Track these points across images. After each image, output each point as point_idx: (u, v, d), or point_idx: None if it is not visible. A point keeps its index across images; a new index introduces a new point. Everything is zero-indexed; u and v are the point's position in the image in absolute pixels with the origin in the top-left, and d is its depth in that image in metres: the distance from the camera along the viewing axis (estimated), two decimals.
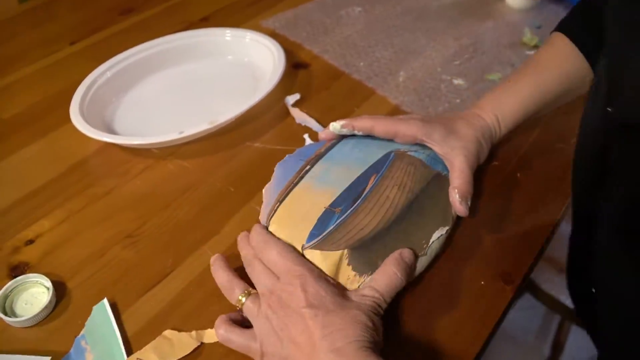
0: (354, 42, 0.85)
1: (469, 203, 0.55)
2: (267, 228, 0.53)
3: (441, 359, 0.47)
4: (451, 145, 0.57)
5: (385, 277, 0.47)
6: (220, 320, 0.48)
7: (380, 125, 0.58)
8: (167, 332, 0.49)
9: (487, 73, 0.78)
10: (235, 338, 0.47)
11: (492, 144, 0.60)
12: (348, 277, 0.48)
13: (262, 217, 0.55)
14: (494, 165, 0.64)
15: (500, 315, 0.50)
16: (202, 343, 0.48)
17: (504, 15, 0.91)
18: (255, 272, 0.50)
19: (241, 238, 0.53)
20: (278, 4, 0.95)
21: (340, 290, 0.46)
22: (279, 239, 0.51)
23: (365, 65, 0.80)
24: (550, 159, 0.65)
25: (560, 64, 0.61)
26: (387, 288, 0.47)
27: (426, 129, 0.57)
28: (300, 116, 0.71)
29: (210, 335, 0.49)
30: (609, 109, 0.43)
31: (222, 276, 0.50)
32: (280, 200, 0.54)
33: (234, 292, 0.49)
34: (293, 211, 0.53)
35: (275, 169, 0.58)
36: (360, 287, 0.48)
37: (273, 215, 0.53)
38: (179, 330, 0.49)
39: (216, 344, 0.48)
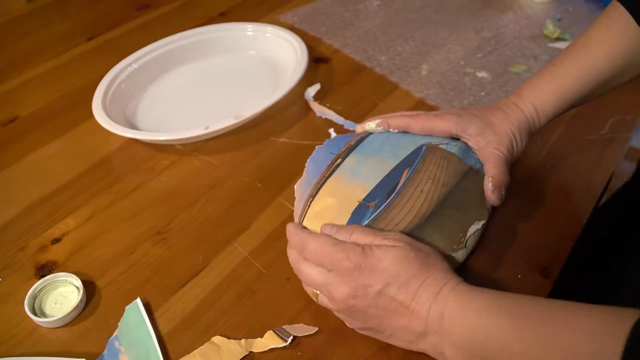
0: (374, 36, 0.84)
1: (503, 193, 0.54)
2: (301, 224, 0.52)
3: None
4: (487, 139, 0.55)
5: None
6: None
7: (416, 123, 0.57)
8: (216, 339, 0.48)
9: (510, 65, 0.77)
10: None
11: (530, 135, 0.57)
12: None
13: (296, 214, 0.54)
14: (523, 157, 0.63)
15: None
16: (250, 352, 0.47)
17: (524, 7, 0.90)
18: (302, 273, 0.48)
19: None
20: None
21: (381, 243, 0.45)
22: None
23: (387, 59, 0.79)
24: (579, 150, 0.64)
25: (612, 42, 0.55)
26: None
27: (462, 123, 0.56)
28: (320, 109, 0.70)
29: (259, 345, 0.47)
30: None
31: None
32: (312, 195, 0.53)
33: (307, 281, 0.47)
34: (326, 206, 0.52)
35: (306, 164, 0.57)
36: None
37: (307, 211, 0.52)
38: (226, 336, 0.48)
39: (265, 353, 0.47)
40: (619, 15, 0.55)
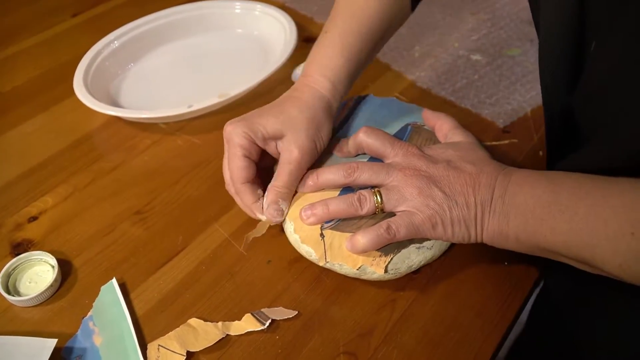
0: None
1: (283, 208, 0.48)
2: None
3: (466, 339, 0.45)
4: (287, 140, 0.49)
5: None
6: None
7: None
8: (193, 321, 0.47)
9: (506, 49, 0.75)
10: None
11: (333, 109, 0.53)
12: (373, 258, 0.46)
13: None
14: (513, 142, 0.62)
15: (526, 296, 0.48)
16: (227, 335, 0.46)
17: None
18: (364, 171, 0.47)
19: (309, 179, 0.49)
20: None
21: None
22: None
23: None
24: None
25: None
26: None
27: (254, 128, 0.49)
28: None
29: (236, 328, 0.46)
30: None
31: (339, 202, 0.46)
32: None
33: (366, 203, 0.46)
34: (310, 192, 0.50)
35: None
36: (388, 267, 0.46)
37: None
38: (203, 318, 0.47)
39: (242, 336, 0.46)
40: None
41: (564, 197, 0.40)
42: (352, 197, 0.46)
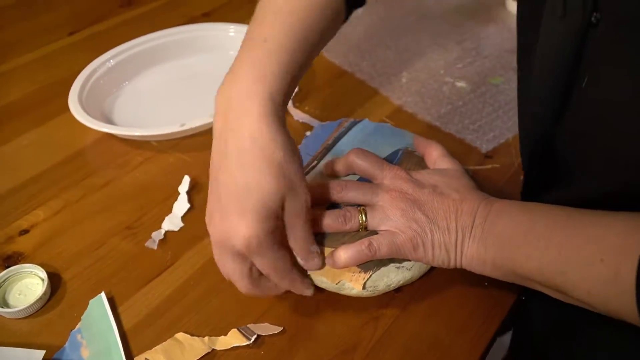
0: (357, 42, 0.85)
1: (315, 250, 0.46)
2: None
3: (446, 357, 0.46)
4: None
5: None
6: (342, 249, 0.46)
7: None
8: (179, 335, 0.47)
9: (490, 77, 0.78)
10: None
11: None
12: (353, 273, 0.47)
13: None
14: (495, 167, 0.64)
15: (505, 315, 0.50)
16: (213, 349, 0.47)
17: (506, 20, 0.91)
18: (352, 189, 0.48)
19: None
20: None
21: None
22: None
23: (368, 65, 0.80)
24: None
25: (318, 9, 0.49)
26: None
27: (268, 214, 0.42)
28: (295, 112, 0.71)
29: (222, 343, 0.47)
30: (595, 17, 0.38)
31: (325, 217, 0.47)
32: None
33: (350, 219, 0.47)
34: None
35: None
36: (367, 284, 0.47)
37: None
38: (190, 333, 0.47)
39: (228, 351, 0.47)
40: None
41: (540, 226, 0.42)
42: (338, 212, 0.48)
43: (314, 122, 0.69)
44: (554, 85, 0.43)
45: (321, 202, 0.50)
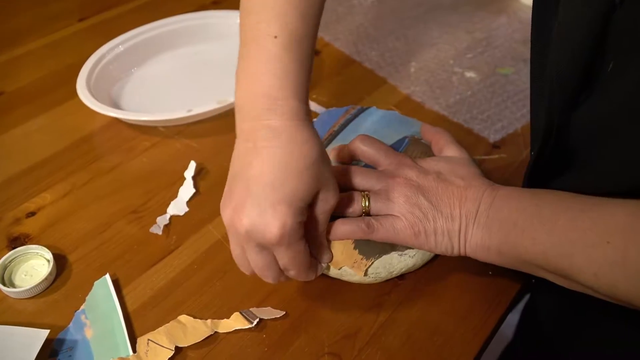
0: (366, 31, 0.84)
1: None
2: None
3: (448, 344, 0.46)
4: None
5: None
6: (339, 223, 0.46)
7: None
8: (182, 317, 0.48)
9: (500, 67, 0.77)
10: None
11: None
12: (355, 260, 0.47)
13: None
14: (502, 157, 0.63)
15: (509, 304, 0.49)
16: (215, 332, 0.47)
17: (517, 11, 0.90)
18: (356, 175, 0.48)
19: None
20: None
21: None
22: None
23: (376, 55, 0.79)
24: None
25: None
26: None
27: (300, 208, 0.42)
28: None
29: (225, 325, 0.47)
30: None
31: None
32: None
33: (353, 203, 0.47)
34: None
35: None
36: (369, 270, 0.47)
37: None
38: (193, 316, 0.48)
39: (230, 334, 0.47)
40: None
41: (545, 210, 0.41)
42: (342, 196, 0.47)
43: (321, 110, 0.69)
44: (574, 69, 0.41)
45: None
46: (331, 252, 0.47)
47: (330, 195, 0.43)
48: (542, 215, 0.41)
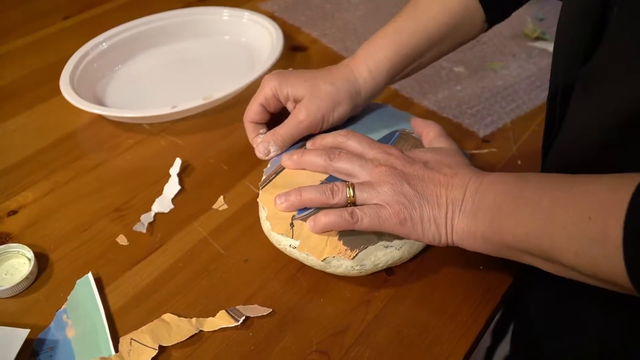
0: (354, 28, 0.83)
1: (271, 149, 0.54)
2: (262, 187, 0.52)
3: (438, 341, 0.45)
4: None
5: None
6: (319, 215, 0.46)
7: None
8: (166, 316, 0.47)
9: (489, 62, 0.77)
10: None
11: (361, 96, 0.55)
12: (339, 251, 0.46)
13: (261, 181, 0.53)
14: (492, 152, 0.63)
15: (499, 299, 0.49)
16: (200, 330, 0.46)
17: None
18: (343, 160, 0.49)
19: (293, 156, 0.51)
20: None
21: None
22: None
23: None
24: None
25: (443, 0, 0.56)
26: None
27: (282, 86, 0.54)
28: None
29: (210, 324, 0.46)
30: None
31: (312, 191, 0.47)
32: (277, 172, 0.52)
33: (337, 193, 0.46)
34: (288, 182, 0.51)
35: None
36: (353, 261, 0.46)
37: (268, 183, 0.51)
38: (177, 314, 0.47)
39: (215, 332, 0.46)
40: None
41: (529, 191, 0.41)
42: (325, 186, 0.47)
43: None
44: (583, 17, 0.41)
45: (312, 169, 0.50)
46: (269, 149, 0.54)
47: (302, 109, 0.53)
48: (526, 197, 0.41)
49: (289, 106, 0.55)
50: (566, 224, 0.37)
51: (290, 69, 0.57)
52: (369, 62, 0.55)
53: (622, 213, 0.33)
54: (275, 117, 0.57)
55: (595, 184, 0.37)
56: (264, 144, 0.54)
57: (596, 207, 0.35)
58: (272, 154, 0.55)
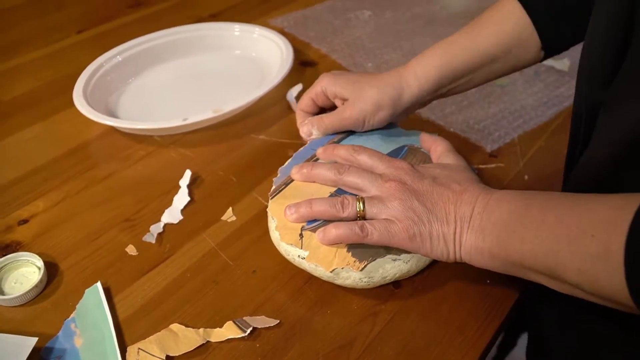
0: (362, 44, 0.84)
1: (313, 131, 0.59)
2: (271, 198, 0.52)
3: (445, 355, 0.45)
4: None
5: None
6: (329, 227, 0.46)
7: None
8: (174, 326, 0.47)
9: (496, 79, 0.77)
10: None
11: (403, 102, 0.57)
12: (347, 262, 0.46)
13: (271, 191, 0.53)
14: (499, 166, 0.63)
15: (507, 314, 0.49)
16: (207, 341, 0.46)
17: None
18: (353, 174, 0.49)
19: (302, 168, 0.52)
20: (287, 4, 0.95)
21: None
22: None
23: (373, 66, 0.79)
24: (557, 162, 0.63)
25: (500, 21, 0.56)
26: None
27: (331, 86, 0.58)
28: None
29: (217, 335, 0.46)
30: None
31: (322, 203, 0.48)
32: (286, 183, 0.52)
33: (348, 207, 0.47)
34: (298, 193, 0.51)
35: (293, 155, 0.57)
36: (361, 273, 0.46)
37: (277, 194, 0.52)
38: (185, 325, 0.47)
39: (222, 343, 0.46)
40: (511, 6, 0.56)
41: (535, 209, 0.41)
42: (336, 199, 0.47)
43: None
44: (606, 46, 0.42)
45: (321, 182, 0.51)
46: (311, 132, 0.59)
47: (346, 108, 0.57)
48: (531, 214, 0.41)
49: (337, 103, 0.59)
50: (570, 241, 0.37)
51: (341, 71, 0.61)
52: (417, 69, 0.57)
53: (625, 230, 0.33)
54: (324, 110, 0.62)
55: (599, 203, 0.37)
56: (308, 125, 0.59)
57: (599, 225, 0.36)
58: (313, 136, 0.59)
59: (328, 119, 0.58)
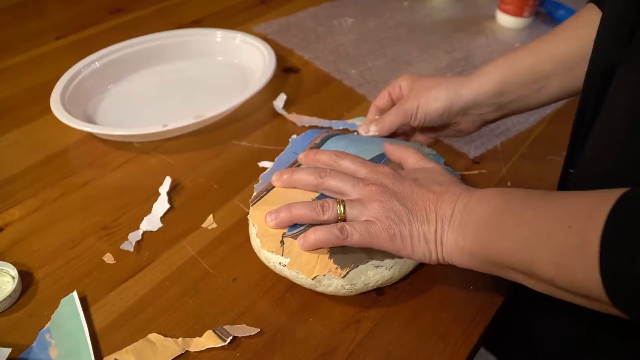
0: (346, 51, 0.84)
1: (372, 129, 0.60)
2: (251, 205, 0.51)
3: (431, 358, 0.45)
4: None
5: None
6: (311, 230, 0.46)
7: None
8: (152, 336, 0.46)
9: None
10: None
11: (461, 98, 0.57)
12: (330, 269, 0.46)
13: (252, 198, 0.53)
14: (482, 173, 0.63)
15: (491, 319, 0.48)
16: (186, 351, 0.45)
17: (496, 33, 0.91)
18: (334, 178, 0.49)
19: (283, 175, 0.51)
20: (270, 12, 0.95)
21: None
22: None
23: (356, 73, 0.79)
24: (540, 169, 0.64)
25: (575, 27, 0.53)
26: None
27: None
28: (297, 118, 0.70)
29: (196, 344, 0.45)
30: None
31: (302, 207, 0.47)
32: (267, 190, 0.52)
33: (328, 209, 0.46)
34: (279, 199, 0.50)
35: (275, 160, 0.57)
36: (344, 280, 0.46)
37: (258, 200, 0.51)
38: (164, 334, 0.46)
39: (202, 352, 0.45)
40: (591, 12, 0.53)
41: (514, 204, 0.41)
42: (316, 203, 0.47)
43: (317, 121, 0.68)
44: (622, 12, 0.42)
45: (302, 187, 0.50)
46: (369, 129, 0.60)
47: (402, 103, 0.59)
48: (511, 210, 0.41)
49: None
50: (548, 233, 0.37)
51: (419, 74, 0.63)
52: (481, 69, 0.57)
53: (603, 219, 0.33)
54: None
55: (579, 197, 0.37)
56: (367, 123, 0.60)
57: (577, 216, 0.35)
58: (370, 133, 0.60)
59: (386, 117, 0.59)
